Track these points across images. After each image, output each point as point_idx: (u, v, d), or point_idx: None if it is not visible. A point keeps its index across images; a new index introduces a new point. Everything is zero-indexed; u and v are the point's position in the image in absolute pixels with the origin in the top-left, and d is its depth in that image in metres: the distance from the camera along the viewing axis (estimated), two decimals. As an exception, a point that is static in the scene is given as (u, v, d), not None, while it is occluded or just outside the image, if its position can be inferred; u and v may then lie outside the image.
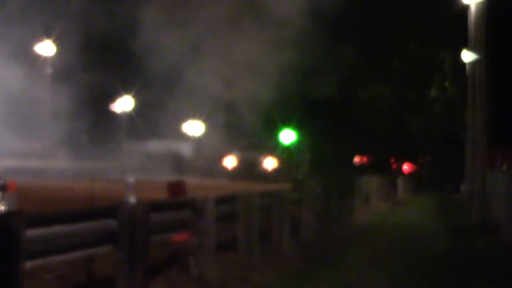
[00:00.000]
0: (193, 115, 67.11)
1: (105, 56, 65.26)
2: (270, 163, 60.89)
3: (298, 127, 68.60)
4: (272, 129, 66.53)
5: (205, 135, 68.51)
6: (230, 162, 60.42)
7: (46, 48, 64.98)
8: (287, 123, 67.19)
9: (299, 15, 60.08)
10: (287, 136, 66.81)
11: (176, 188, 24.34)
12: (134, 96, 67.53)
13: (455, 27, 54.93)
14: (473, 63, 43.95)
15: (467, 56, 47.50)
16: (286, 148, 65.60)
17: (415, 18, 70.23)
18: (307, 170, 62.93)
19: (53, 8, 59.47)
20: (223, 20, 61.11)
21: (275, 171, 59.44)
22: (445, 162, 75.75)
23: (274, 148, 64.07)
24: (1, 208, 10.38)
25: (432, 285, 18.05)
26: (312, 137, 71.25)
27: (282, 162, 62.50)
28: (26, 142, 60.26)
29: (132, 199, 12.46)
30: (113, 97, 66.93)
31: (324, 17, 61.56)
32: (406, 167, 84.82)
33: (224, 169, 59.16)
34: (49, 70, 65.27)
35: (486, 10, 41.66)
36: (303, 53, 63.35)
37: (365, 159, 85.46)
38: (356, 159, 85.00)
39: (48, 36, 65.27)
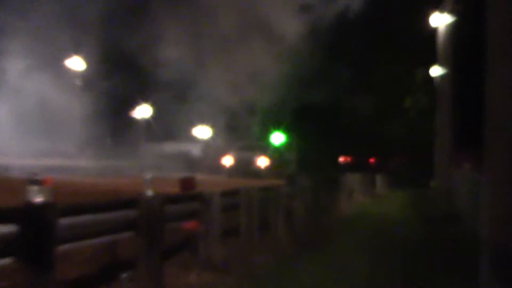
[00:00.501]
0: (202, 120, 67.17)
1: (126, 68, 65.21)
2: (263, 161, 60.68)
3: (287, 130, 68.75)
4: (265, 132, 66.65)
5: (211, 137, 68.60)
6: (227, 161, 60.25)
7: (76, 63, 64.86)
8: (277, 126, 67.33)
9: (294, 35, 60.19)
10: (278, 138, 66.81)
11: (187, 183, 24.39)
12: (151, 104, 67.49)
13: (426, 46, 54.92)
14: (441, 77, 44.00)
15: (436, 71, 47.54)
16: (277, 148, 65.59)
17: (393, 40, 70.36)
18: (294, 167, 62.88)
19: (81, 26, 59.38)
20: (227, 37, 61.19)
21: (267, 168, 59.24)
22: (417, 162, 75.97)
23: (267, 148, 63.94)
24: (38, 200, 10.46)
25: (404, 265, 18.16)
26: (300, 139, 71.53)
27: (273, 160, 62.38)
28: (58, 144, 60.13)
29: (149, 193, 12.56)
30: (133, 105, 66.95)
31: (317, 37, 61.60)
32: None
33: (223, 167, 59.00)
34: (78, 82, 65.14)
35: (451, 32, 41.78)
36: (296, 67, 63.42)
37: (348, 159, 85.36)
38: (341, 159, 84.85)
39: (77, 52, 65.16)
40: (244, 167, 58.34)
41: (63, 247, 8.92)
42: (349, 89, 72.82)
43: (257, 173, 55.90)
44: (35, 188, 11.90)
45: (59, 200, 10.01)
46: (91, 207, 10.53)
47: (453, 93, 40.67)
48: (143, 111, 66.70)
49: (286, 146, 68.58)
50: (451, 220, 31.25)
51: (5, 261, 8.09)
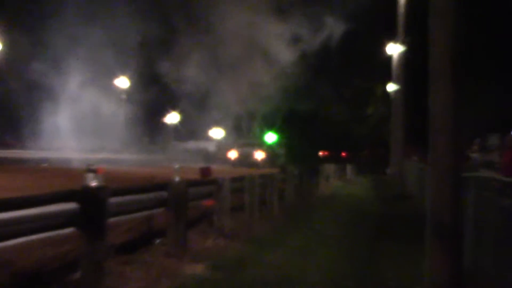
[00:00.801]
0: (216, 124, 67.39)
1: (159, 84, 65.24)
2: (259, 155, 60.45)
3: (279, 131, 68.80)
4: (262, 132, 66.73)
5: (223, 137, 68.71)
6: (232, 154, 60.11)
7: (122, 82, 64.80)
8: (271, 128, 67.40)
9: (287, 59, 60.42)
10: (271, 137, 66.76)
11: (204, 171, 24.34)
12: (178, 112, 67.61)
13: (384, 68, 54.98)
14: (395, 92, 44.03)
15: (391, 87, 47.64)
16: (270, 145, 65.57)
17: (361, 63, 70.59)
18: (284, 160, 62.94)
19: (125, 51, 59.38)
20: (235, 60, 61.32)
21: (263, 160, 59.11)
22: (377, 155, 76.19)
23: (262, 145, 63.91)
24: (93, 184, 10.48)
25: (367, 230, 18.21)
26: (288, 138, 71.82)
27: (267, 154, 62.24)
28: (107, 142, 60.17)
29: (177, 179, 12.55)
30: (164, 112, 67.06)
31: (305, 61, 61.77)
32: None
33: (229, 159, 58.83)
34: (123, 96, 65.15)
35: (402, 58, 41.85)
36: (287, 83, 63.53)
37: (326, 153, 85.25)
38: (320, 153, 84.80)
39: (123, 72, 65.17)
40: (245, 159, 58.04)
41: (112, 220, 8.96)
42: (327, 100, 72.90)
43: (255, 164, 55.66)
44: (91, 175, 11.94)
45: (109, 184, 10.01)
46: (133, 190, 10.58)
47: (404, 104, 40.72)
48: (172, 117, 66.89)
49: (278, 143, 68.55)
50: (403, 198, 31.29)
51: (69, 230, 8.13)
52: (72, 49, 55.97)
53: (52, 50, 55.21)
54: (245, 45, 60.74)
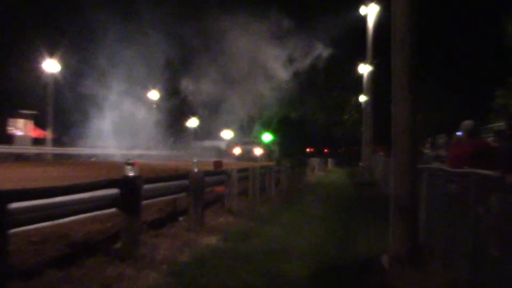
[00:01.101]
0: (226, 126, 67.33)
1: (181, 95, 65.46)
2: (258, 151, 59.95)
3: (274, 132, 68.49)
4: (260, 133, 66.41)
5: (232, 137, 68.55)
6: (237, 150, 59.58)
7: (153, 94, 64.62)
8: (267, 130, 67.10)
9: (283, 75, 60.69)
10: (267, 137, 66.36)
11: (217, 164, 24.29)
12: (197, 118, 67.61)
13: (357, 84, 55.09)
14: (365, 102, 44.00)
15: (362, 98, 47.62)
16: (266, 143, 65.15)
17: (339, 79, 70.67)
18: (277, 155, 62.61)
19: (155, 69, 59.56)
20: (241, 76, 61.61)
21: (261, 155, 58.65)
22: (351, 151, 76.37)
23: (260, 143, 63.44)
24: (131, 174, 10.50)
25: (344, 208, 18.24)
26: (282, 138, 71.75)
27: (264, 150, 61.78)
28: (140, 141, 60.11)
29: (195, 170, 12.54)
30: (186, 118, 66.91)
31: (297, 77, 62.04)
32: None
33: (234, 154, 58.35)
34: (154, 105, 65.08)
35: (371, 75, 41.81)
36: (282, 95, 63.66)
37: (312, 149, 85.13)
38: (308, 149, 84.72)
39: (154, 86, 65.11)
40: (247, 154, 57.70)
41: (145, 202, 8.97)
42: (313, 108, 72.81)
43: (255, 158, 55.26)
44: (129, 167, 11.91)
45: (142, 174, 10.04)
46: (161, 178, 10.59)
47: (372, 111, 40.68)
48: (192, 122, 66.69)
49: (272, 142, 68.12)
50: (371, 184, 31.26)
51: (112, 210, 8.15)
52: (113, 67, 56.13)
53: (98, 68, 55.52)
54: (249, 64, 61.06)
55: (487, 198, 6.44)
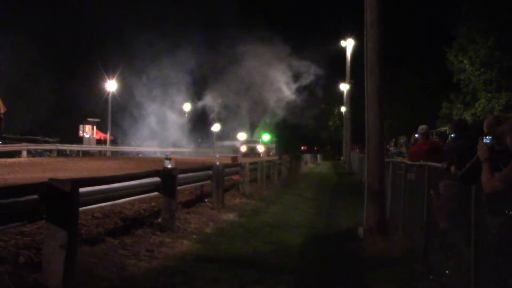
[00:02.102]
0: (241, 130, 66.82)
1: (206, 104, 65.27)
2: (261, 148, 58.79)
3: (273, 133, 67.76)
4: (261, 134, 65.51)
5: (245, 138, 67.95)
6: (243, 148, 58.35)
7: (186, 106, 64.23)
8: (267, 130, 66.28)
9: (287, 89, 60.51)
10: (266, 137, 65.38)
11: (234, 159, 24.37)
12: (219, 124, 67.16)
13: (339, 98, 55.18)
14: (345, 112, 43.96)
15: (343, 108, 47.60)
16: (266, 142, 64.08)
17: (327, 93, 70.17)
18: (275, 152, 61.84)
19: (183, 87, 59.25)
20: (249, 89, 61.40)
21: (263, 152, 57.48)
22: (335, 148, 76.26)
23: (261, 141, 62.15)
24: (169, 167, 10.53)
25: (330, 192, 18.26)
26: (280, 138, 71.63)
27: (265, 148, 60.54)
28: (175, 141, 59.77)
29: (217, 163, 12.54)
30: (211, 123, 66.62)
31: (299, 91, 61.92)
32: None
33: (241, 151, 57.19)
34: (186, 115, 64.83)
35: (349, 91, 41.74)
36: (282, 104, 63.31)
37: (305, 147, 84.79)
38: (302, 147, 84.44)
39: (187, 99, 64.80)
40: (251, 151, 56.44)
41: (180, 188, 8.98)
42: (306, 116, 71.74)
43: (258, 154, 53.98)
44: (167, 161, 11.93)
45: (177, 167, 10.05)
46: (192, 169, 10.56)
47: (350, 118, 40.59)
48: (215, 126, 66.24)
49: (270, 141, 66.97)
50: (349, 174, 31.22)
51: (155, 193, 8.16)
52: (155, 83, 56.18)
53: (144, 84, 55.53)
54: (258, 80, 60.72)
55: (437, 184, 6.46)
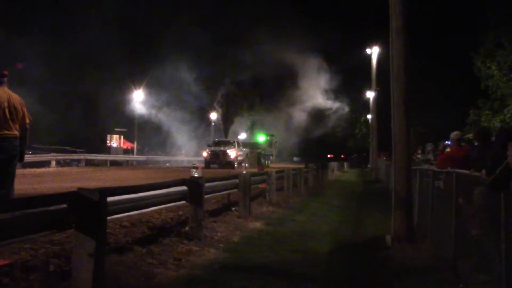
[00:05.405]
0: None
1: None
2: (232, 153, 55.30)
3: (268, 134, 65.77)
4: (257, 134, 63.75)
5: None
6: (204, 154, 55.92)
7: (212, 115, 64.19)
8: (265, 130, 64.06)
9: (314, 100, 60.34)
10: (262, 138, 62.76)
11: (260, 168, 24.38)
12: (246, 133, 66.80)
13: (365, 105, 54.99)
14: (372, 119, 43.67)
15: (369, 116, 47.29)
16: (261, 143, 60.55)
17: (353, 103, 69.91)
18: (274, 159, 59.72)
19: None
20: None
21: (236, 159, 54.50)
22: (362, 156, 75.94)
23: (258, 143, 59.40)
24: (196, 175, 10.59)
25: (357, 199, 18.10)
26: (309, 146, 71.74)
27: (251, 153, 56.62)
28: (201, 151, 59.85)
29: (244, 172, 12.56)
30: (236, 134, 66.46)
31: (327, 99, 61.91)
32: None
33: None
34: (212, 124, 64.94)
35: (375, 99, 41.47)
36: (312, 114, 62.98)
37: (332, 155, 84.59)
38: (329, 155, 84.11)
39: (212, 109, 64.73)
40: (216, 158, 50.00)
41: (207, 196, 8.99)
42: (333, 125, 70.67)
43: (229, 163, 37.61)
44: (194, 170, 12.03)
45: (204, 175, 10.08)
46: (218, 178, 10.56)
47: (376, 126, 40.30)
48: (241, 136, 65.64)
49: (266, 143, 64.25)
50: (376, 182, 30.92)
51: (182, 202, 8.18)
52: (181, 95, 56.58)
53: (170, 96, 55.97)
54: (292, 95, 60.43)
55: (469, 191, 6.33)
